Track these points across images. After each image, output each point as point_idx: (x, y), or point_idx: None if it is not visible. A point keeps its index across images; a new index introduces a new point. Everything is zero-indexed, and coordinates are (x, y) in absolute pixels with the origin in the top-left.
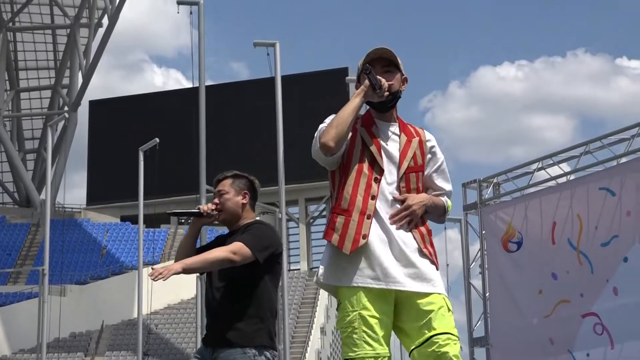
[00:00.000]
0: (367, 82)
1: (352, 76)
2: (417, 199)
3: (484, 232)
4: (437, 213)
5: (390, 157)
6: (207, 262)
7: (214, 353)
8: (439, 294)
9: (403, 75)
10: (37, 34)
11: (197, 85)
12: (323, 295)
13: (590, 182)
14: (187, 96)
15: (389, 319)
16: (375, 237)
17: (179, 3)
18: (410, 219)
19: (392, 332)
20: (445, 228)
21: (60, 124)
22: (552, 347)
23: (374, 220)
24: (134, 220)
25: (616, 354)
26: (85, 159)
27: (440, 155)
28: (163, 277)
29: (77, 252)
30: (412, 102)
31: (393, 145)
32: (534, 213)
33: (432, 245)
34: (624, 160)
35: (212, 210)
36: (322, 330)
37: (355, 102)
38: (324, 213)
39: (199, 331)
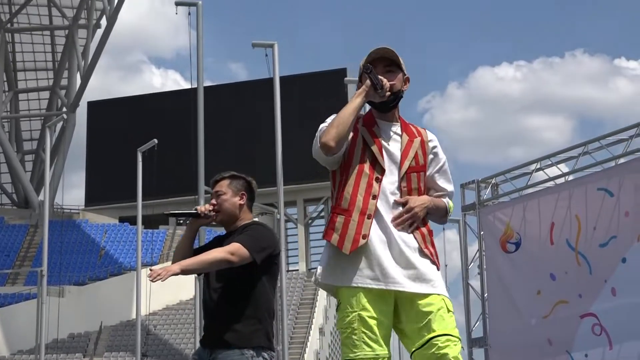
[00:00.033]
0: (368, 82)
1: (350, 77)
2: (418, 202)
3: (482, 232)
4: (439, 214)
5: (391, 156)
6: (205, 263)
7: (212, 354)
8: (439, 294)
9: (405, 75)
10: (35, 35)
11: (195, 86)
12: (322, 296)
13: (588, 183)
14: (185, 97)
15: (389, 320)
16: (376, 237)
17: (177, 4)
18: (412, 222)
19: (394, 333)
20: (443, 229)
21: (59, 125)
22: (551, 347)
23: (374, 220)
24: (132, 221)
25: (615, 354)
26: (83, 160)
27: (442, 156)
28: (161, 278)
29: (75, 253)
30: (411, 103)
31: (394, 145)
32: (532, 214)
33: (433, 245)
34: (622, 160)
35: (210, 211)
36: (321, 331)
37: (356, 102)
38: (323, 214)
39: (197, 332)
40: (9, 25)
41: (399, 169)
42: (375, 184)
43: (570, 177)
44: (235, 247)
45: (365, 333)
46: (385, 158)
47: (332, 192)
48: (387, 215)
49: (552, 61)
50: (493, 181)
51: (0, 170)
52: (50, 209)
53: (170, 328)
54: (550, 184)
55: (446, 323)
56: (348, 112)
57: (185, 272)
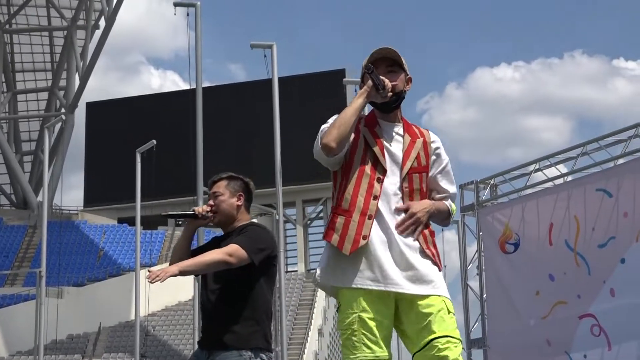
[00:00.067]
0: (370, 82)
1: (349, 77)
2: (420, 207)
3: (481, 233)
4: (441, 217)
5: (393, 157)
6: (203, 264)
7: (210, 356)
8: (439, 295)
9: (407, 75)
10: (34, 36)
11: (194, 87)
12: (320, 296)
13: (587, 184)
14: (184, 98)
15: (389, 321)
16: (376, 238)
17: (175, 5)
18: (416, 227)
19: (396, 335)
20: (442, 229)
21: (57, 126)
22: (550, 348)
23: (375, 221)
24: (131, 222)
25: (613, 355)
26: (82, 160)
27: (445, 157)
28: (160, 279)
29: (74, 254)
30: (409, 104)
31: (396, 146)
32: (531, 214)
33: (434, 246)
34: (621, 161)
35: (207, 212)
36: (320, 332)
37: (358, 102)
38: (322, 215)
39: (196, 333)
40: (7, 26)
41: (401, 169)
42: (376, 185)
43: (569, 178)
44: (233, 248)
45: (365, 335)
46: (387, 159)
47: (334, 192)
48: (389, 216)
49: (551, 62)
50: (492, 182)
51: None
52: (48, 209)
53: (169, 329)
54: (549, 184)
55: (446, 324)
56: (350, 113)
57: (183, 273)
